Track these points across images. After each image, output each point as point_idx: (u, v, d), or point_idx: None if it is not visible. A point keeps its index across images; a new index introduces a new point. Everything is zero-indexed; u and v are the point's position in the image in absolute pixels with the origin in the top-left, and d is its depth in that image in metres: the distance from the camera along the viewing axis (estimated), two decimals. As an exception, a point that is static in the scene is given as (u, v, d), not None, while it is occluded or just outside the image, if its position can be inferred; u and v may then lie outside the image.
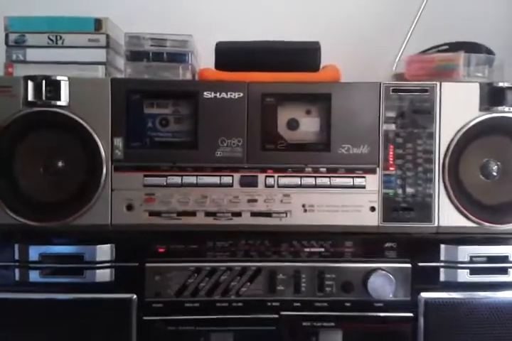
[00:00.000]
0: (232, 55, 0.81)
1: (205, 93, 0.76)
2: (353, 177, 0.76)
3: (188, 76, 0.79)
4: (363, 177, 0.76)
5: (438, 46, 0.92)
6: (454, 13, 1.10)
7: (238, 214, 0.76)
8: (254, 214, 0.76)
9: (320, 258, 0.75)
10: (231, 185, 0.76)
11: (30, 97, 0.73)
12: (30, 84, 0.74)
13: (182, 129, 0.77)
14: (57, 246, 0.72)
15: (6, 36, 0.82)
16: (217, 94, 0.76)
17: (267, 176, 0.76)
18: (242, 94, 0.76)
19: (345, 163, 0.76)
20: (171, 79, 0.79)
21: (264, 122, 0.76)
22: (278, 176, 0.76)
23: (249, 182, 0.76)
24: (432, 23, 1.03)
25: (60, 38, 0.80)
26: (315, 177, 0.76)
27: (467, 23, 1.07)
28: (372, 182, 0.76)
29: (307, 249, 0.76)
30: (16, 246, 0.73)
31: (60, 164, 0.75)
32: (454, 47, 0.87)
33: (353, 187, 0.76)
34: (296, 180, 0.76)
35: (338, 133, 0.76)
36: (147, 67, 0.78)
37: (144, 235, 0.75)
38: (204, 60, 0.91)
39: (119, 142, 0.75)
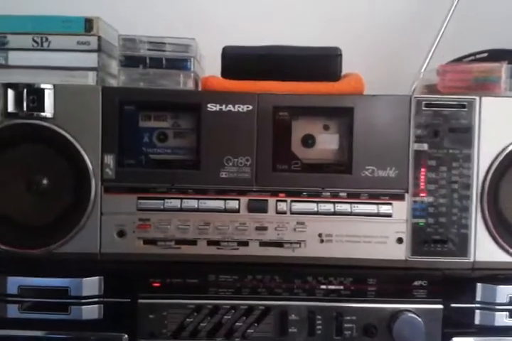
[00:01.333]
0: (241, 62, 0.74)
1: (209, 105, 0.70)
2: (377, 203, 0.69)
3: (190, 85, 0.73)
4: (389, 204, 0.69)
5: (476, 53, 0.85)
6: (489, 14, 1.03)
7: (245, 243, 0.70)
8: (263, 243, 0.70)
9: (338, 297, 0.68)
10: (237, 211, 0.70)
11: (10, 108, 0.67)
12: (10, 92, 0.68)
13: (182, 145, 0.71)
14: (38, 277, 0.66)
15: (-14, 37, 0.77)
16: (223, 107, 0.70)
17: (278, 201, 0.70)
18: (251, 107, 0.70)
19: (369, 188, 0.70)
20: (171, 88, 0.72)
21: (276, 139, 0.70)
22: (291, 201, 0.70)
23: (258, 208, 0.70)
24: (464, 27, 0.97)
25: (46, 39, 0.73)
26: (334, 202, 0.70)
27: (505, 26, 1.01)
28: (400, 209, 0.70)
29: (324, 286, 0.69)
30: None
31: (44, 183, 0.69)
32: (495, 54, 0.81)
33: (378, 215, 0.69)
34: (312, 206, 0.70)
35: (361, 152, 0.70)
36: (143, 75, 0.71)
37: (136, 266, 0.68)
38: (208, 67, 0.84)
39: (110, 159, 0.69)
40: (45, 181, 0.69)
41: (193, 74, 0.73)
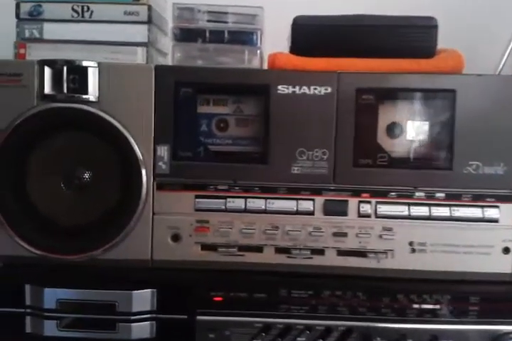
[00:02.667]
0: (316, 35, 0.65)
1: (279, 87, 0.62)
2: (482, 206, 0.61)
3: (256, 63, 0.65)
4: (496, 206, 0.61)
5: None
6: None
7: (320, 251, 0.63)
8: (342, 252, 0.62)
9: (434, 318, 0.60)
10: (312, 213, 0.62)
11: (47, 89, 0.61)
12: (47, 71, 0.61)
13: (246, 135, 0.64)
14: (80, 289, 0.60)
15: (17, 6, 0.68)
16: (296, 89, 0.62)
17: (360, 202, 0.62)
18: (330, 89, 0.61)
19: (472, 187, 0.61)
20: (234, 67, 0.65)
21: (358, 128, 0.62)
22: (376, 202, 0.62)
23: (336, 210, 0.62)
24: None
25: (88, 9, 0.66)
26: (429, 205, 0.61)
27: None
28: (508, 214, 0.61)
29: (416, 305, 0.61)
30: (28, 288, 0.61)
31: (86, 178, 0.63)
32: None
33: (482, 220, 0.61)
34: (402, 209, 0.61)
35: (463, 145, 0.61)
36: (202, 51, 0.64)
37: (194, 277, 0.62)
38: (272, 41, 0.74)
39: (163, 151, 0.62)
40: (87, 175, 0.63)
41: (259, 50, 0.65)
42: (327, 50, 0.65)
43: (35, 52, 0.67)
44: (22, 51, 0.67)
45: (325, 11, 0.67)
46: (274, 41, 0.70)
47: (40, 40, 0.67)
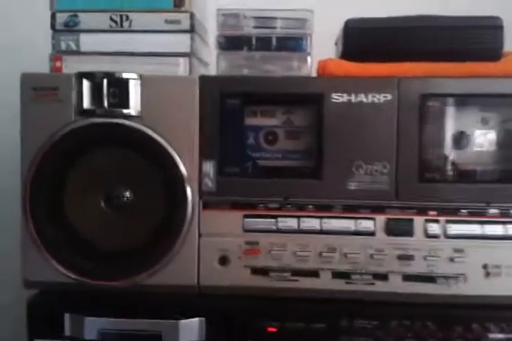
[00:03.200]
0: (370, 39, 0.61)
1: (333, 95, 0.58)
2: None
3: (305, 71, 0.61)
4: None
5: None
6: None
7: (383, 276, 0.58)
8: (407, 277, 0.58)
9: None
10: (372, 233, 0.58)
11: (85, 104, 0.58)
12: (85, 84, 0.59)
13: (297, 148, 0.60)
14: (123, 318, 0.56)
15: (53, 17, 0.65)
16: (352, 97, 0.58)
17: (427, 220, 0.58)
18: (390, 97, 0.57)
19: None
20: (283, 75, 0.61)
21: (423, 138, 0.58)
22: (446, 221, 0.57)
23: (400, 230, 0.58)
24: None
25: (127, 18, 0.63)
26: (503, 223, 0.57)
27: None
28: None
29: (492, 335, 0.56)
30: (67, 317, 0.58)
31: (127, 197, 0.60)
32: None
33: None
34: (475, 228, 0.57)
35: None
36: (248, 59, 0.60)
37: (245, 305, 0.58)
38: (317, 47, 0.69)
39: (209, 167, 0.59)
40: (128, 194, 0.60)
41: (309, 56, 0.61)
42: (384, 54, 0.61)
43: (72, 65, 0.63)
44: (58, 64, 0.64)
45: (375, 12, 0.63)
46: (320, 46, 0.66)
47: (77, 52, 0.64)
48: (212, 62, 0.67)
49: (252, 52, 0.61)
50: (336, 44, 0.72)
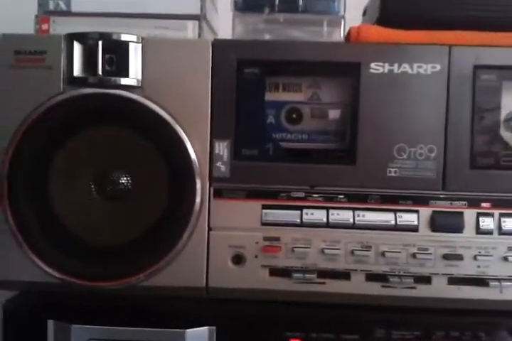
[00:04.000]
0: (413, 3, 0.53)
1: (372, 65, 0.50)
2: None
3: (337, 37, 0.54)
4: None
5: None
6: None
7: (426, 279, 0.51)
8: (454, 280, 0.50)
9: None
10: (415, 229, 0.50)
11: (76, 71, 0.50)
12: (77, 47, 0.50)
13: (327, 128, 0.52)
14: (118, 326, 0.48)
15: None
16: (395, 67, 0.50)
17: (480, 214, 0.50)
18: (439, 67, 0.50)
19: None
20: (311, 40, 0.54)
21: (476, 116, 0.50)
22: (501, 214, 0.50)
23: (447, 224, 0.50)
24: None
25: (126, -25, 0.57)
26: None
27: None
28: None
29: None
30: (51, 324, 0.49)
31: (123, 183, 0.52)
32: None
33: None
34: None
35: None
36: (270, 23, 0.52)
37: (263, 311, 0.50)
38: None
39: (223, 149, 0.51)
40: (125, 180, 0.52)
41: (342, 20, 0.53)
42: (428, 20, 0.53)
43: (61, 28, 0.56)
44: (45, 27, 0.56)
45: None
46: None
47: (68, 12, 0.56)
48: (225, 29, 0.60)
49: (274, 15, 0.53)
50: (365, 12, 0.65)
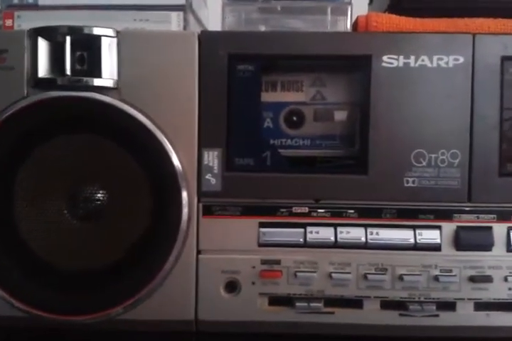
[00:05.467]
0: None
1: (385, 58, 0.44)
2: None
3: (342, 26, 0.48)
4: None
5: None
6: None
7: (450, 305, 0.45)
8: (483, 305, 0.46)
9: None
10: (438, 247, 0.45)
11: (42, 71, 0.44)
12: (42, 44, 0.44)
13: (333, 133, 0.46)
14: None
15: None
16: (411, 61, 0.44)
17: (511, 229, 0.44)
18: (462, 59, 0.44)
19: None
20: (312, 31, 0.48)
21: (506, 115, 0.43)
22: None
23: (474, 242, 0.45)
24: None
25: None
26: None
27: None
28: None
29: None
30: None
31: (99, 200, 0.45)
32: None
33: None
34: None
35: None
36: (265, 12, 0.46)
37: None
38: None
39: (213, 159, 0.45)
40: (101, 197, 0.45)
41: (349, 7, 0.47)
42: (446, 7, 0.48)
43: (27, 25, 0.49)
44: (8, 23, 0.51)
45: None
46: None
47: (34, 6, 0.51)
48: (214, 22, 0.54)
49: (270, 2, 0.48)
50: (371, 0, 0.60)
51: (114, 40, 0.45)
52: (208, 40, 0.44)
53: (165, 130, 0.44)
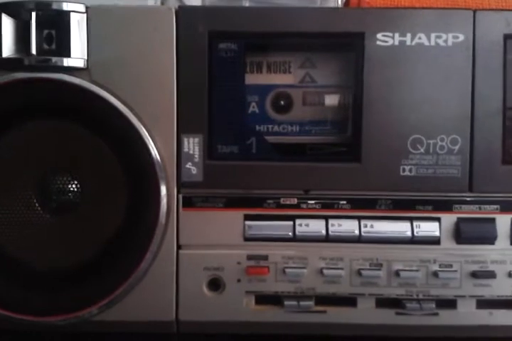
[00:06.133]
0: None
1: (379, 36, 0.41)
2: None
3: (332, 2, 0.45)
4: None
5: None
6: None
7: (451, 303, 0.43)
8: (486, 303, 0.43)
9: None
10: (436, 241, 0.42)
11: (7, 51, 0.41)
12: (6, 21, 0.40)
13: (324, 118, 0.43)
14: None
15: None
16: (407, 39, 0.41)
17: None
18: (462, 37, 0.41)
19: None
20: (300, 6, 0.45)
21: (510, 97, 0.41)
22: None
23: (476, 235, 0.42)
24: None
25: None
26: None
27: None
28: None
29: None
30: None
31: (71, 191, 0.42)
32: None
33: None
34: None
35: None
36: None
37: None
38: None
39: (194, 146, 0.41)
40: (73, 188, 0.42)
41: None
42: None
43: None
44: None
45: None
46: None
47: None
48: None
49: (254, -24, 0.46)
50: None
51: (84, 16, 0.41)
52: (186, 16, 0.41)
53: (140, 114, 0.41)
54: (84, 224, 0.43)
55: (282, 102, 0.44)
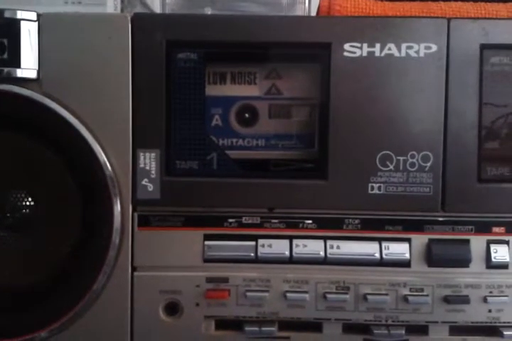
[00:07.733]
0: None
1: (346, 46, 0.39)
2: None
3: (300, 11, 0.43)
4: None
5: None
6: None
7: (422, 329, 0.41)
8: (459, 329, 0.41)
9: None
10: (406, 263, 0.40)
11: None
12: None
13: (289, 132, 0.42)
14: None
15: None
16: (376, 49, 0.39)
17: (491, 242, 0.40)
18: (434, 48, 0.39)
19: None
20: (265, 15, 0.43)
21: (485, 111, 0.39)
22: None
23: (449, 257, 0.40)
24: None
25: None
26: None
27: None
28: None
29: None
30: None
31: (22, 209, 0.40)
32: None
33: None
34: None
35: None
36: None
37: None
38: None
39: (150, 161, 0.40)
40: (24, 205, 0.41)
41: None
42: None
43: None
44: None
45: None
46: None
47: None
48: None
49: (217, -18, 0.44)
50: None
51: (36, 24, 0.40)
52: (142, 23, 0.39)
53: (93, 127, 0.39)
54: (36, 243, 0.41)
55: (247, 115, 0.42)
